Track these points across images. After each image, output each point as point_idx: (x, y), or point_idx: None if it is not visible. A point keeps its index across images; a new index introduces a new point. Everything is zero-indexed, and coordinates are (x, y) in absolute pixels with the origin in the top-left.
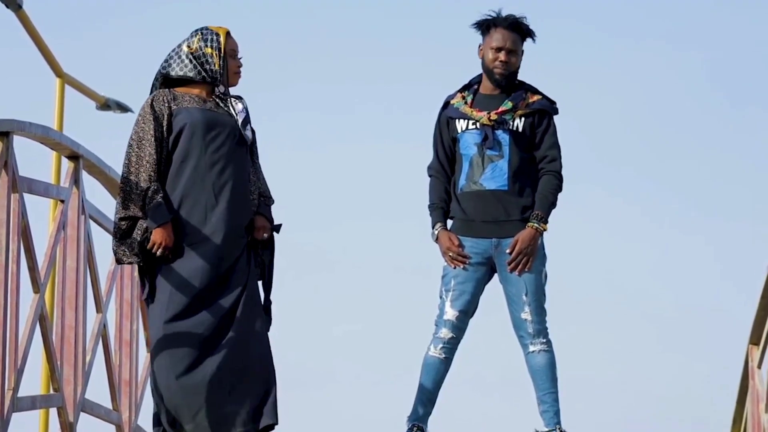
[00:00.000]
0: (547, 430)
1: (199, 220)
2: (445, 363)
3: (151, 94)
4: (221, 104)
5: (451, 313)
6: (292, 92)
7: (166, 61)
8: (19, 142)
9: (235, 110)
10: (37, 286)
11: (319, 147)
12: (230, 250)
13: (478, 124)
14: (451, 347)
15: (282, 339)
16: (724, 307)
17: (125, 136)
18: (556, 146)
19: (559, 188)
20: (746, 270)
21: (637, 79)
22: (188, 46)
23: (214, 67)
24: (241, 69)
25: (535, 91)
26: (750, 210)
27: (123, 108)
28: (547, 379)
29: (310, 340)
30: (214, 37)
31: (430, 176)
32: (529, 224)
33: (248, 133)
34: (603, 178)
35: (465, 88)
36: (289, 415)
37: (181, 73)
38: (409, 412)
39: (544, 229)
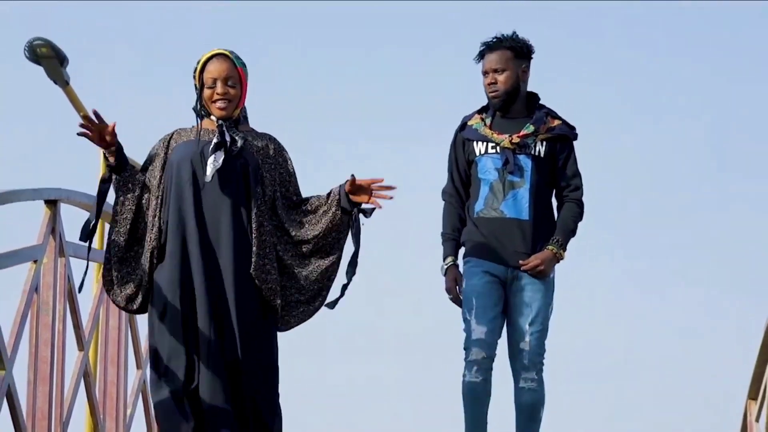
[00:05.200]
0: None
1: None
2: (484, 385)
3: None
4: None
5: (479, 331)
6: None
7: None
8: (65, 209)
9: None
10: (81, 344)
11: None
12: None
13: (498, 147)
14: (486, 367)
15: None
16: (723, 363)
17: None
18: (578, 174)
19: (580, 216)
20: (745, 327)
21: (638, 144)
22: None
23: (197, 98)
24: (223, 98)
25: (556, 116)
26: (749, 271)
27: None
28: (528, 419)
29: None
30: (196, 65)
31: (443, 201)
32: (549, 247)
33: (211, 163)
34: (605, 237)
35: (483, 109)
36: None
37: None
38: None
39: (562, 257)
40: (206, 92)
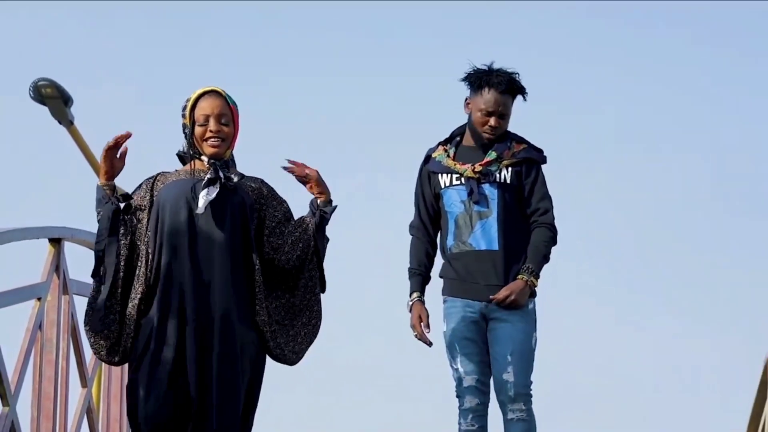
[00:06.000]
0: None
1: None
2: None
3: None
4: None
5: (469, 378)
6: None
7: None
8: (69, 247)
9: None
10: (85, 380)
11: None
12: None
13: (462, 178)
14: (481, 414)
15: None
16: (721, 398)
17: None
18: (547, 197)
19: (553, 241)
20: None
21: (640, 182)
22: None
23: (187, 136)
24: (216, 136)
25: (521, 140)
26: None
27: None
28: None
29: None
30: (186, 104)
31: (410, 235)
32: (520, 276)
33: (204, 196)
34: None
35: (447, 140)
36: None
37: (181, 150)
38: None
39: (535, 285)
40: (197, 130)
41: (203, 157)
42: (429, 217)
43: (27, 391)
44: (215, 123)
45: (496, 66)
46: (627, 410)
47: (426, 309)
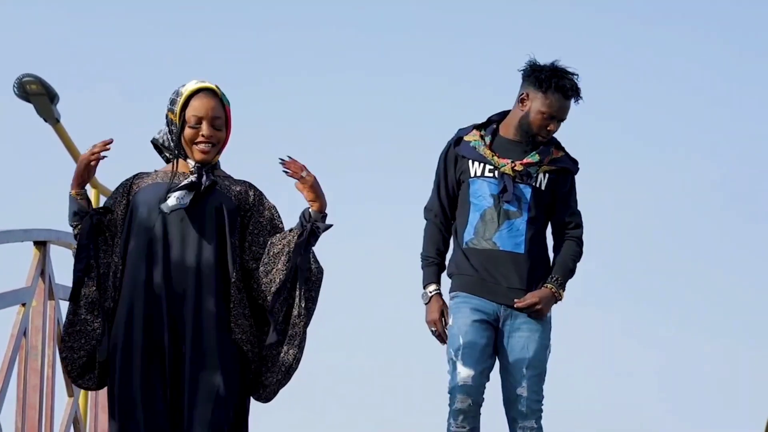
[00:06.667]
0: None
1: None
2: None
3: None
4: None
5: (465, 374)
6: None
7: None
8: (55, 251)
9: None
10: (71, 390)
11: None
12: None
13: (496, 171)
14: (473, 415)
15: None
16: (721, 398)
17: None
18: (578, 212)
19: (580, 256)
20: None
21: (648, 189)
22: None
23: (174, 135)
24: (208, 141)
25: (559, 146)
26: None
27: None
28: None
29: None
30: (177, 98)
31: (426, 219)
32: (549, 285)
33: (176, 197)
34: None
35: (482, 126)
36: None
37: (158, 138)
38: None
39: (560, 297)
40: (188, 132)
41: (189, 161)
42: (448, 200)
43: (11, 400)
44: (208, 127)
45: (560, 64)
46: (627, 410)
47: (446, 303)
